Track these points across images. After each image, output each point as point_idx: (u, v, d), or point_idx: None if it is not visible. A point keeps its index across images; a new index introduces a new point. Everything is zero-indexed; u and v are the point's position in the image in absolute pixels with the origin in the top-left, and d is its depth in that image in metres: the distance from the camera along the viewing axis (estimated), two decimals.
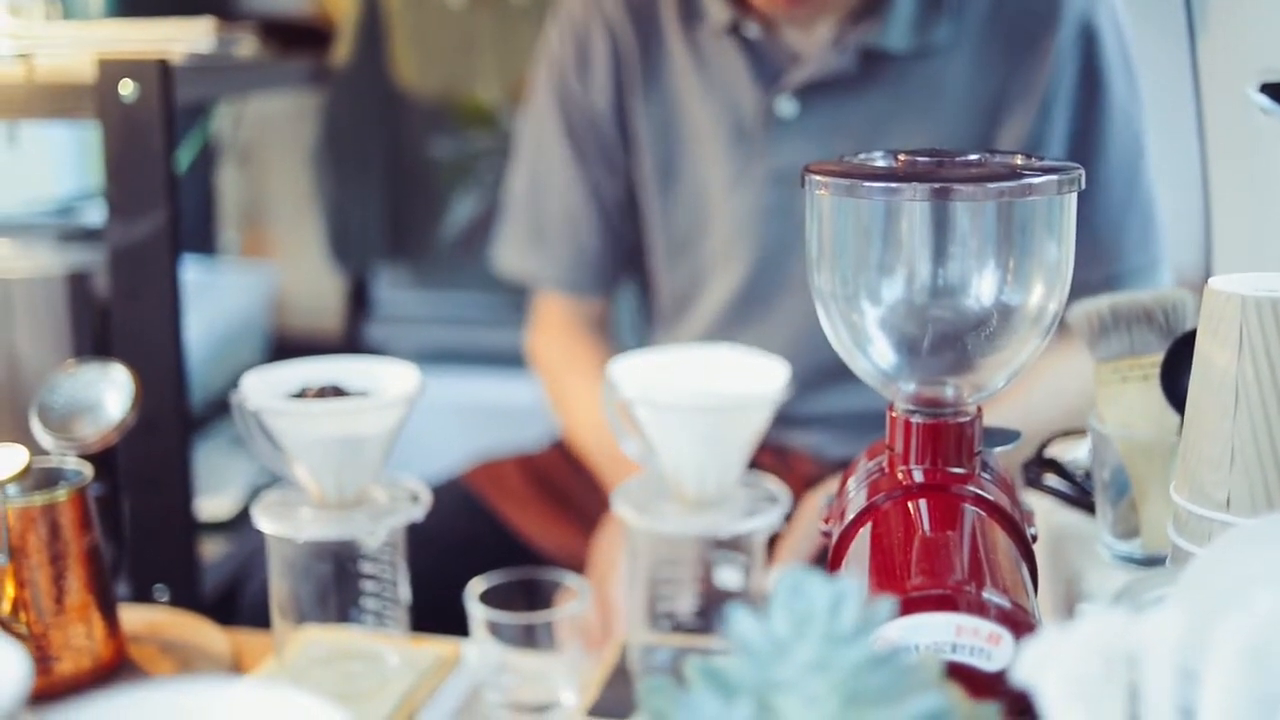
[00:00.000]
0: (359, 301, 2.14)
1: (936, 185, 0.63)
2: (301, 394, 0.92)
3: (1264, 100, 0.98)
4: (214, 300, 1.93)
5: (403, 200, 1.93)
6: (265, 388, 0.91)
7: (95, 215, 1.88)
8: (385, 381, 0.94)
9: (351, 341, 2.13)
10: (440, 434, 1.78)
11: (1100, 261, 1.23)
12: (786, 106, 1.25)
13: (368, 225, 1.92)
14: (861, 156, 0.72)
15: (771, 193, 1.28)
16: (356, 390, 0.93)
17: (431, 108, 1.86)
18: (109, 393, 1.03)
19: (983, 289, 0.68)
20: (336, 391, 0.93)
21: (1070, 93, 1.21)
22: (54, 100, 1.30)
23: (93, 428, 1.01)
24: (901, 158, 0.70)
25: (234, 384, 0.93)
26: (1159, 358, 0.84)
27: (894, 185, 0.64)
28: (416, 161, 1.90)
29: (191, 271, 1.79)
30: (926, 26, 1.20)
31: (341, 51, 1.83)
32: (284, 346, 2.16)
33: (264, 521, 0.90)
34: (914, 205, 0.65)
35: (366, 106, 1.87)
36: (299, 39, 1.81)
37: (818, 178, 0.67)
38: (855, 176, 0.66)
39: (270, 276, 2.16)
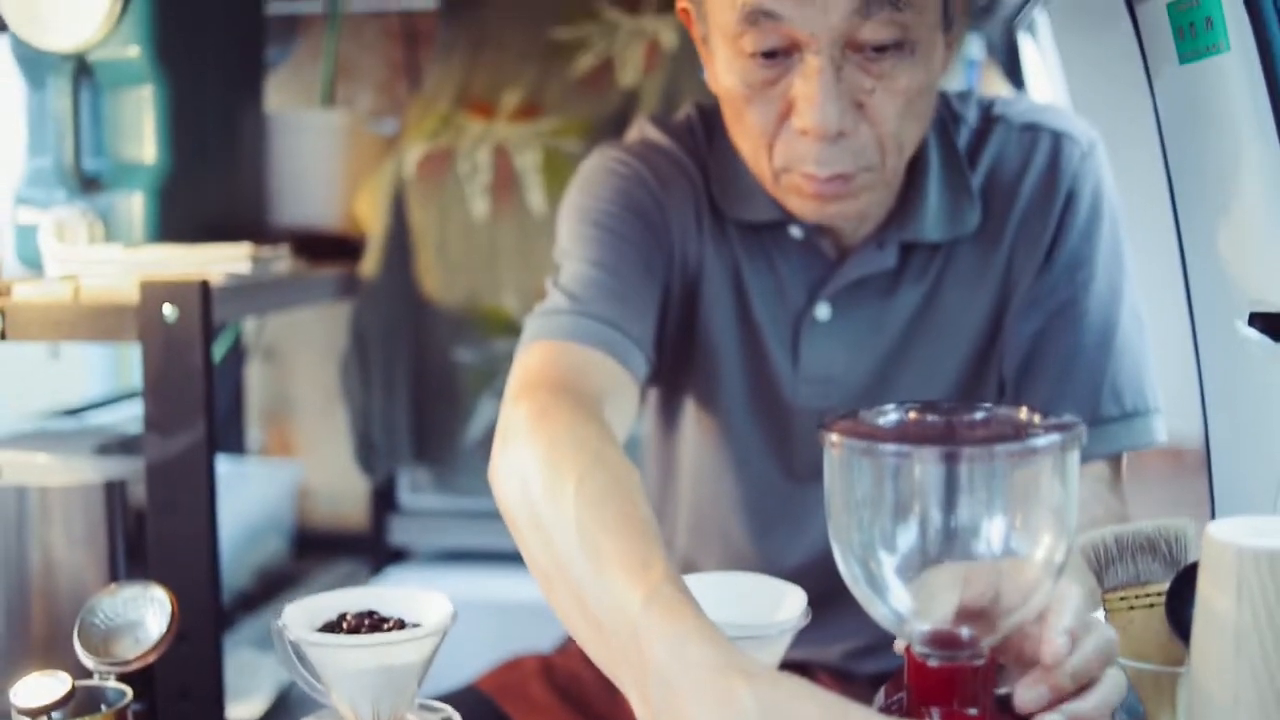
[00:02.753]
0: (383, 499, 2.18)
1: (946, 449, 0.68)
2: (339, 621, 0.96)
3: (1252, 333, 1.02)
4: (240, 496, 1.97)
5: (428, 406, 1.97)
6: (304, 618, 0.95)
7: (129, 413, 1.94)
8: (419, 609, 0.97)
9: (376, 538, 2.16)
10: (464, 634, 1.80)
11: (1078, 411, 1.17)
12: (821, 310, 1.24)
13: (393, 432, 1.96)
14: (875, 411, 0.76)
15: (803, 396, 1.27)
16: (392, 615, 0.97)
17: (456, 316, 1.91)
18: (149, 612, 1.07)
19: (993, 536, 0.72)
20: (372, 616, 0.96)
21: (1062, 255, 1.22)
22: (98, 322, 1.35)
23: (133, 648, 1.05)
24: (913, 415, 0.74)
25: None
26: (1164, 586, 0.87)
27: (905, 449, 0.69)
28: (441, 368, 1.94)
29: (218, 467, 1.83)
30: (958, 213, 1.22)
31: (370, 263, 1.89)
32: (308, 541, 2.20)
33: None
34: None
35: (393, 315, 1.92)
36: (330, 251, 1.88)
37: (833, 437, 0.72)
38: (869, 437, 0.70)
39: (295, 473, 2.20)
